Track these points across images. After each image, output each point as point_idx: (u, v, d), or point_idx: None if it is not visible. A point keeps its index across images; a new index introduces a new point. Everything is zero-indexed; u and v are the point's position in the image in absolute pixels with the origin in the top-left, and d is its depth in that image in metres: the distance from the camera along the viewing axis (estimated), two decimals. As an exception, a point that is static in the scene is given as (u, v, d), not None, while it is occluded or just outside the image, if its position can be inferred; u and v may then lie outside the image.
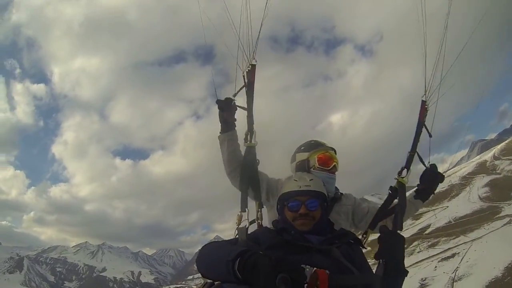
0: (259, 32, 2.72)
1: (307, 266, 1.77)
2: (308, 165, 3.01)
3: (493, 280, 28.33)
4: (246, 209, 2.57)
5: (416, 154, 2.93)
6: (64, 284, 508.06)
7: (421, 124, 2.93)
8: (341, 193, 3.10)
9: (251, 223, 2.58)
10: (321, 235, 2.16)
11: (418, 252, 43.44)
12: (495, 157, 79.71)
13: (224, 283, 1.85)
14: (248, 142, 2.80)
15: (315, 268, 1.75)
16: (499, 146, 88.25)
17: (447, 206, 65.03)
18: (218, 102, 2.85)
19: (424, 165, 2.94)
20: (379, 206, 3.05)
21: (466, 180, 74.27)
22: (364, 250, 2.25)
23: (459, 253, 37.84)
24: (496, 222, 43.43)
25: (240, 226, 2.41)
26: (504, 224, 40.86)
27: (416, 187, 3.05)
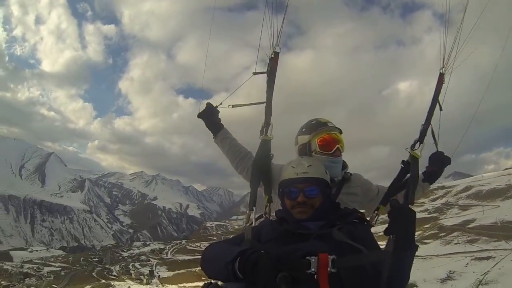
0: (283, 19, 2.53)
1: (312, 257, 1.68)
2: (310, 148, 2.82)
3: (515, 294, 27.83)
4: (254, 208, 2.48)
5: (431, 131, 2.68)
6: (118, 206, 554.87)
7: (436, 96, 2.71)
8: (350, 173, 2.91)
9: (257, 219, 2.50)
10: (323, 220, 2.11)
11: (456, 243, 42.36)
12: None
13: (227, 283, 1.82)
14: (264, 135, 2.65)
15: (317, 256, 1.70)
16: None
17: (499, 206, 62.93)
18: (199, 116, 2.93)
19: (435, 141, 2.72)
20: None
21: None
22: (373, 229, 2.26)
23: (495, 257, 36.58)
24: None
25: (247, 225, 2.36)
26: None
27: (425, 170, 2.90)
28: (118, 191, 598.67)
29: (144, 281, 73.29)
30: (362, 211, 2.35)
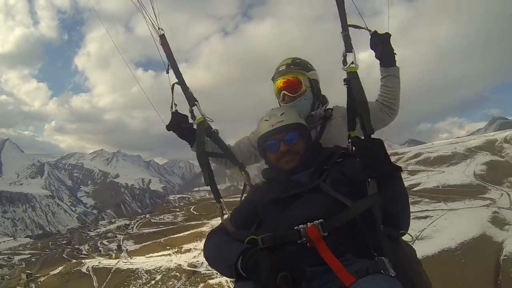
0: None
1: (300, 226, 1.69)
2: (279, 99, 2.72)
3: (445, 249, 31.59)
4: (221, 200, 2.29)
5: (351, 29, 2.34)
6: (80, 188, 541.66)
7: None
8: (330, 108, 2.73)
9: (244, 187, 2.50)
10: (311, 165, 2.07)
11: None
12: (506, 140, 78.01)
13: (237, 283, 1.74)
14: (196, 119, 2.56)
15: (308, 224, 1.69)
16: None
17: (443, 171, 67.58)
18: (169, 128, 2.60)
19: (367, 29, 2.43)
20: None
21: (470, 153, 75.17)
22: None
23: (432, 216, 41.45)
24: (477, 201, 46.36)
25: (224, 217, 2.19)
26: (483, 206, 43.81)
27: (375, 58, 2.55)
28: (79, 172, 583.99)
29: (113, 255, 75.35)
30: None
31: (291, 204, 1.89)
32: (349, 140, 2.39)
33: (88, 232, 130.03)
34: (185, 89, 2.62)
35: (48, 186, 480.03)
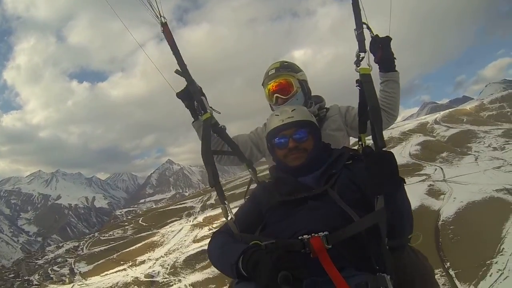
0: None
1: (304, 236, 1.67)
2: (271, 103, 2.76)
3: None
4: (226, 202, 2.10)
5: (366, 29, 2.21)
6: (21, 215, 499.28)
7: None
8: (326, 108, 2.75)
9: (248, 185, 2.52)
10: (319, 165, 2.03)
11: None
12: (436, 121, 79.33)
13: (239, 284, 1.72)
14: (202, 115, 2.45)
15: (312, 235, 1.66)
16: (443, 112, 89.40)
17: None
18: (180, 95, 2.53)
19: (370, 33, 2.25)
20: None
21: (405, 136, 76.71)
22: None
23: None
24: (414, 178, 48.28)
25: (228, 219, 2.05)
26: (419, 181, 45.86)
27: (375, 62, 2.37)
28: (17, 198, 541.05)
29: (67, 280, 71.84)
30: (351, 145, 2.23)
31: (297, 209, 1.86)
32: (359, 143, 2.38)
33: (36, 261, 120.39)
34: (189, 80, 2.50)
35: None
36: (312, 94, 2.84)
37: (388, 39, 2.31)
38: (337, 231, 1.67)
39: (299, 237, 1.69)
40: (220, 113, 2.55)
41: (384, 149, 1.79)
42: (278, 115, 2.15)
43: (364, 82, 2.04)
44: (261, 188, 2.17)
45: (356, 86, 2.17)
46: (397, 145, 76.26)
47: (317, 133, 2.16)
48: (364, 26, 2.19)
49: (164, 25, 2.50)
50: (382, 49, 2.32)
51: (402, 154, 66.94)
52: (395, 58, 2.41)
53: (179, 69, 2.50)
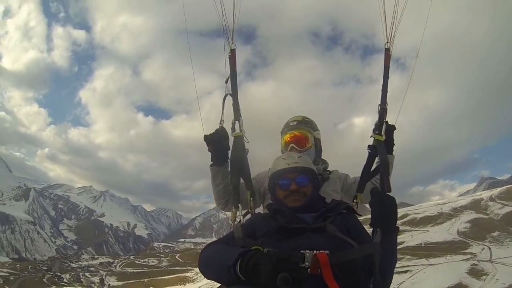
0: (234, 14, 2.60)
1: (306, 251, 1.70)
2: (285, 151, 2.95)
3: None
4: (239, 205, 2.49)
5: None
6: (63, 221, 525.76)
7: (387, 69, 2.69)
8: (329, 171, 2.98)
9: (245, 215, 2.55)
10: (314, 211, 2.13)
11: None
12: (491, 198, 79.99)
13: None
14: (236, 132, 2.65)
15: (314, 252, 1.70)
16: (500, 188, 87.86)
17: (428, 231, 68.86)
18: (207, 139, 2.66)
19: (384, 119, 2.64)
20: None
21: (456, 212, 76.59)
22: (360, 218, 2.23)
23: (412, 271, 42.39)
24: (458, 256, 47.04)
25: (236, 222, 2.30)
26: (463, 260, 44.51)
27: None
28: (64, 204, 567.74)
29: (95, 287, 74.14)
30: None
31: (295, 236, 1.87)
32: (354, 201, 2.77)
33: (70, 263, 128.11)
34: (236, 101, 2.69)
35: (31, 212, 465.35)
36: (321, 157, 3.17)
37: (393, 127, 2.71)
38: (338, 253, 1.77)
39: (301, 251, 1.74)
40: (248, 141, 2.72)
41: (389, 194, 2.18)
42: (285, 158, 2.35)
43: (379, 147, 2.53)
44: (259, 217, 2.25)
45: (367, 150, 2.68)
46: (446, 221, 72.49)
47: (316, 182, 2.35)
48: (387, 104, 2.67)
49: (232, 51, 2.75)
50: (386, 134, 2.66)
51: (449, 231, 63.82)
52: (394, 144, 2.79)
53: (231, 95, 2.72)
